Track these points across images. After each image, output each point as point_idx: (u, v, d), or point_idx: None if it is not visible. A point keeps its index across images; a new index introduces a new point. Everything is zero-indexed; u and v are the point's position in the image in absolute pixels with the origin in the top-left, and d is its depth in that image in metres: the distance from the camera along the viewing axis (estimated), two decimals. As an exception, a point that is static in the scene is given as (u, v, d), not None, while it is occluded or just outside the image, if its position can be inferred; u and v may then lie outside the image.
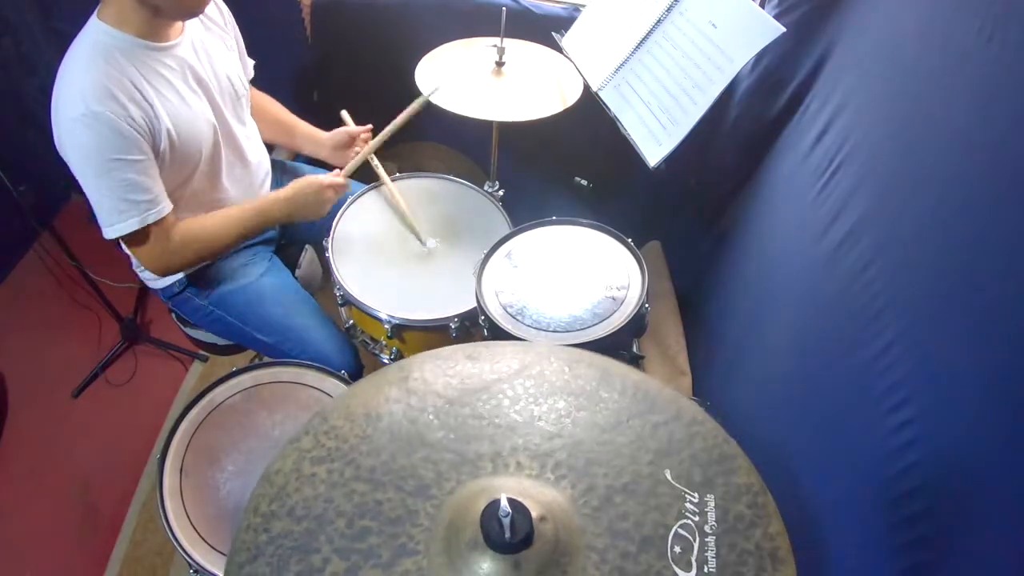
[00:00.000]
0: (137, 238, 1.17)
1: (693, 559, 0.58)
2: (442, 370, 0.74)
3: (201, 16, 1.26)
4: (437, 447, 0.66)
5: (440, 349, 0.76)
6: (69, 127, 1.06)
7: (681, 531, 0.60)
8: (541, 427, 0.68)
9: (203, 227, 1.26)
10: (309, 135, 1.57)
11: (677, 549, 0.59)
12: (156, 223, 1.16)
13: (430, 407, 0.70)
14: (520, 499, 0.57)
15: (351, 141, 1.53)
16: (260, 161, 1.46)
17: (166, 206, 1.17)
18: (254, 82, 1.47)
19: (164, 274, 1.30)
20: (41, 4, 2.10)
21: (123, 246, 1.23)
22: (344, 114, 1.56)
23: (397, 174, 1.60)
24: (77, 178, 1.11)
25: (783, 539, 0.60)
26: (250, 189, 1.43)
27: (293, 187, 1.34)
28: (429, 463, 0.65)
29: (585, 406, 0.70)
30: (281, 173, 1.60)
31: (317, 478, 0.65)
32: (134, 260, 1.39)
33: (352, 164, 1.42)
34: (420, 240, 1.47)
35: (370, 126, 1.55)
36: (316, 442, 0.68)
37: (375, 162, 1.52)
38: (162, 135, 1.15)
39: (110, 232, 1.15)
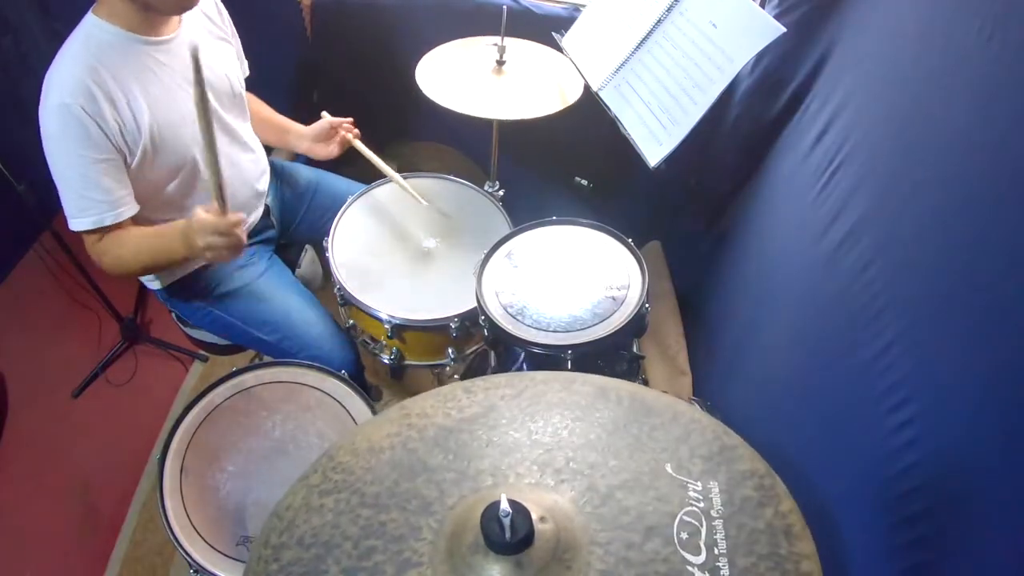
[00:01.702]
0: (88, 237, 1.20)
1: (702, 543, 0.58)
2: (441, 404, 0.76)
3: (201, 13, 1.26)
4: (438, 469, 0.68)
5: (439, 388, 0.79)
6: (44, 115, 1.09)
7: (687, 518, 0.60)
8: (538, 440, 0.69)
9: (132, 232, 1.21)
10: (293, 130, 1.56)
11: (684, 535, 0.59)
12: (105, 228, 1.17)
13: (430, 436, 0.72)
14: (520, 501, 0.57)
15: (332, 132, 1.52)
16: (256, 160, 1.46)
17: (124, 211, 1.17)
18: (253, 83, 1.47)
19: (104, 270, 1.24)
20: (41, 4, 2.10)
21: None
22: (324, 114, 1.55)
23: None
24: (47, 161, 1.13)
25: (796, 516, 0.60)
26: (246, 187, 1.43)
27: (185, 222, 1.15)
28: (431, 483, 0.67)
29: (581, 417, 0.71)
30: (280, 173, 1.60)
31: (325, 508, 0.67)
32: None
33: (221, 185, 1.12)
34: (416, 197, 1.48)
35: (351, 119, 1.53)
36: (324, 477, 0.70)
37: (366, 152, 1.51)
38: (141, 134, 1.16)
39: (71, 224, 1.17)
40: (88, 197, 1.13)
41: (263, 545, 0.65)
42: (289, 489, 0.70)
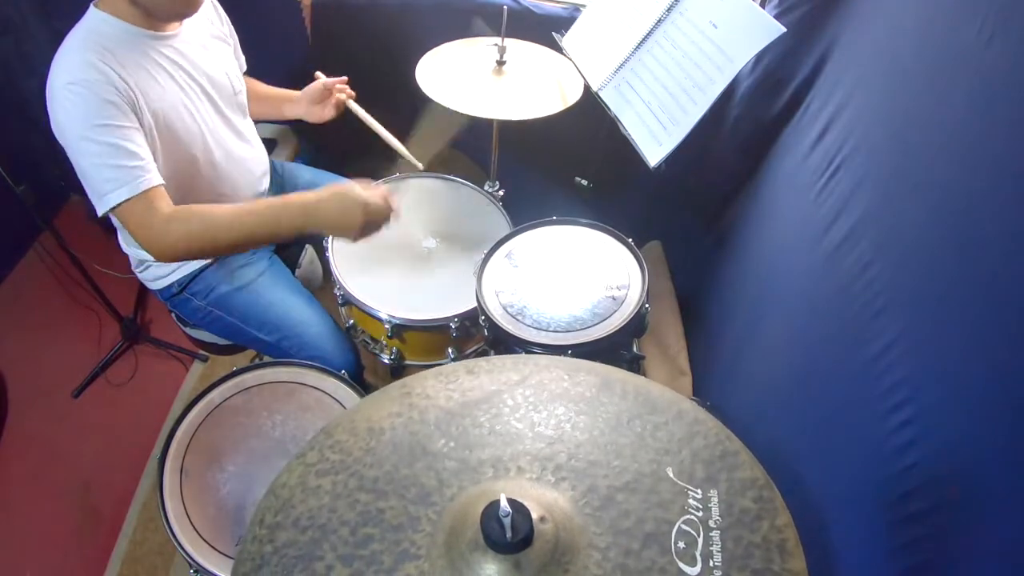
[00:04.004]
0: (130, 212, 1.08)
1: (698, 554, 0.58)
2: (443, 385, 0.75)
3: (200, 11, 1.27)
4: (439, 456, 0.67)
5: (441, 367, 0.78)
6: (57, 98, 1.06)
7: (685, 527, 0.60)
8: (541, 432, 0.68)
9: (208, 209, 1.14)
10: (287, 97, 1.55)
11: (681, 545, 0.59)
12: (147, 193, 1.08)
13: (431, 419, 0.71)
14: (520, 500, 0.57)
15: (327, 93, 1.49)
16: (256, 157, 1.46)
17: (156, 176, 1.10)
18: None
19: (163, 255, 1.13)
20: (41, 4, 2.10)
21: (118, 232, 1.22)
22: (318, 74, 1.52)
23: (397, 174, 1.61)
24: (68, 154, 1.08)
25: (791, 531, 0.60)
26: (248, 185, 1.43)
27: (336, 187, 1.15)
28: (431, 471, 0.66)
29: (585, 411, 0.71)
30: (280, 174, 1.60)
31: (322, 490, 0.66)
32: (132, 259, 1.39)
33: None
34: (413, 161, 1.41)
35: (344, 78, 1.50)
36: (321, 456, 0.69)
37: (361, 112, 1.48)
38: (148, 122, 1.14)
39: (102, 205, 1.08)
40: (117, 165, 1.05)
41: (258, 524, 0.64)
42: (285, 466, 0.69)
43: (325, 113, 1.50)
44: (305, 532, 0.63)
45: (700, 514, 0.61)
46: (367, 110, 1.48)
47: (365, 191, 1.14)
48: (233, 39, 1.40)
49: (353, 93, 1.51)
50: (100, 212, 1.09)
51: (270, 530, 0.63)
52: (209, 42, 1.30)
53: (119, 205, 1.07)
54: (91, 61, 1.06)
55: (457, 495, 0.63)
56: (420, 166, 1.42)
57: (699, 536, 0.59)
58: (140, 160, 1.08)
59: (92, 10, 1.13)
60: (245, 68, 1.46)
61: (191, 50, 1.24)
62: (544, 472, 0.65)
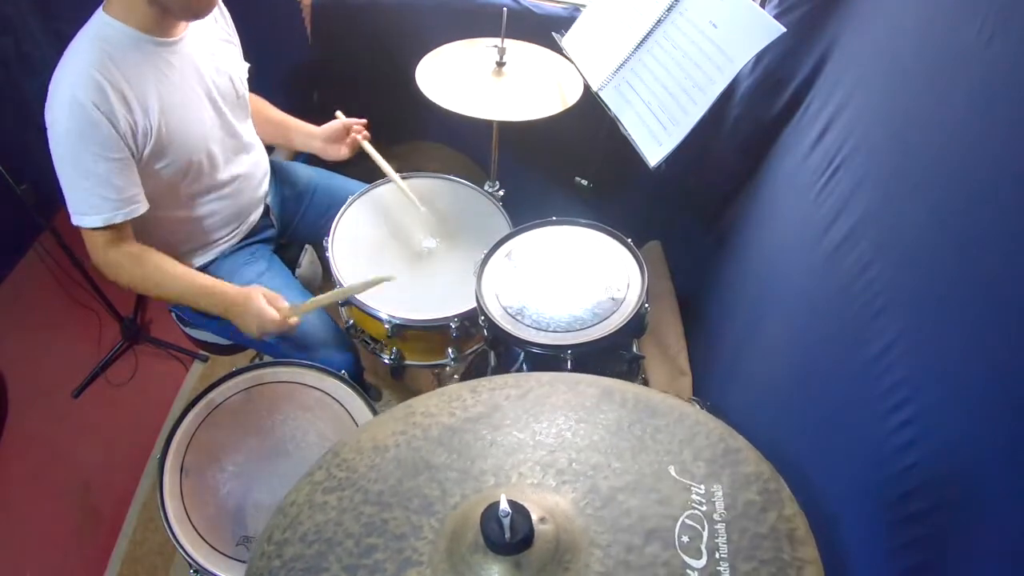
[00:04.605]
0: (95, 236, 1.17)
1: (703, 547, 0.58)
2: (446, 404, 0.76)
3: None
4: (441, 468, 0.68)
5: (444, 388, 0.79)
6: (53, 110, 1.08)
7: (689, 521, 0.60)
8: (542, 441, 0.69)
9: (160, 264, 1.23)
10: (301, 129, 1.57)
11: (685, 539, 0.59)
12: (116, 226, 1.16)
13: (434, 435, 0.72)
14: (520, 501, 0.57)
15: (344, 132, 1.53)
16: (258, 160, 1.46)
17: (136, 208, 1.17)
18: (252, 84, 1.47)
19: (108, 278, 1.23)
20: (41, 4, 2.09)
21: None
22: (338, 113, 1.57)
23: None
24: (52, 154, 1.11)
25: (800, 520, 0.59)
26: (249, 187, 1.43)
27: (246, 296, 1.23)
28: (434, 482, 0.67)
29: (585, 419, 0.71)
30: (279, 173, 1.60)
31: (328, 505, 0.67)
32: None
33: (308, 304, 1.27)
34: (416, 203, 1.47)
35: (364, 120, 1.54)
36: (328, 474, 0.71)
37: (374, 154, 1.52)
38: (152, 132, 1.16)
39: (75, 219, 1.15)
40: (99, 195, 1.12)
41: (266, 541, 0.66)
42: (294, 485, 0.71)
43: (341, 152, 1.53)
44: (311, 546, 0.64)
45: (704, 508, 0.61)
46: (367, 112, 1.48)
47: (264, 310, 1.22)
48: (237, 40, 1.40)
49: (368, 135, 1.55)
50: (73, 223, 1.16)
51: (278, 546, 0.65)
52: (215, 45, 1.30)
53: (89, 228, 1.16)
54: (96, 79, 1.07)
55: (459, 503, 0.64)
56: (422, 208, 1.48)
57: (704, 530, 0.59)
58: (121, 194, 1.14)
59: (99, 13, 1.12)
60: (247, 76, 1.46)
61: (195, 55, 1.24)
62: (545, 477, 0.65)
